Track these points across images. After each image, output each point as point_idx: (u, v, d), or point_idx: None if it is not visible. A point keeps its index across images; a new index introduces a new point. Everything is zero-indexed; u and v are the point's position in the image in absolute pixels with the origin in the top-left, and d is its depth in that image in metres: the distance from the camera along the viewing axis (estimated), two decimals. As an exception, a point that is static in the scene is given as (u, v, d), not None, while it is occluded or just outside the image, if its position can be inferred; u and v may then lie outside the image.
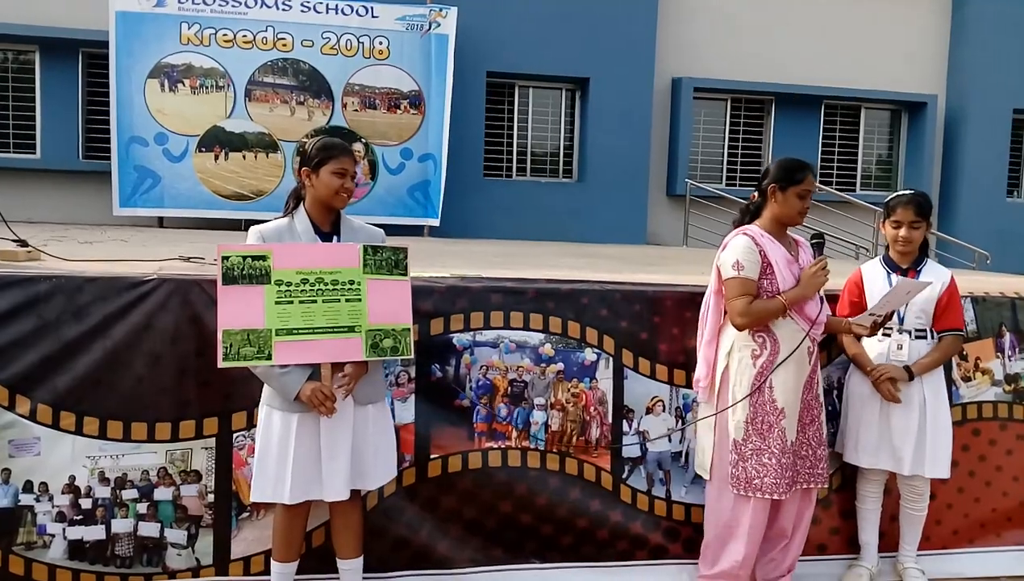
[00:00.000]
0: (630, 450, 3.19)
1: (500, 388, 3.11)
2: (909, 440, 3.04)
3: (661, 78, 10.40)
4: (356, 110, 8.80)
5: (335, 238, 2.59)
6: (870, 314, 2.93)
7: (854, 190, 11.24)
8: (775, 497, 2.86)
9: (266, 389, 2.54)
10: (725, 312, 2.96)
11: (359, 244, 2.52)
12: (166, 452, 2.83)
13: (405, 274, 2.56)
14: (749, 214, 3.01)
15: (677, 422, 3.22)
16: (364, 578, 2.77)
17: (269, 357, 2.39)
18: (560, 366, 3.16)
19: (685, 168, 10.49)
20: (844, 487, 3.32)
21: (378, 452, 2.60)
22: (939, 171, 11.62)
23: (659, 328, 3.23)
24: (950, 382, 3.38)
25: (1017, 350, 3.54)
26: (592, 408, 3.19)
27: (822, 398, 3.03)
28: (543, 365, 3.15)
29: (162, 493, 2.83)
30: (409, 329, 2.54)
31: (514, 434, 3.11)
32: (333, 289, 2.46)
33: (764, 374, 2.85)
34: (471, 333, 3.09)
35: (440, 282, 3.09)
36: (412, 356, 2.61)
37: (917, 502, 3.18)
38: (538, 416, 3.13)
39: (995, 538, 3.44)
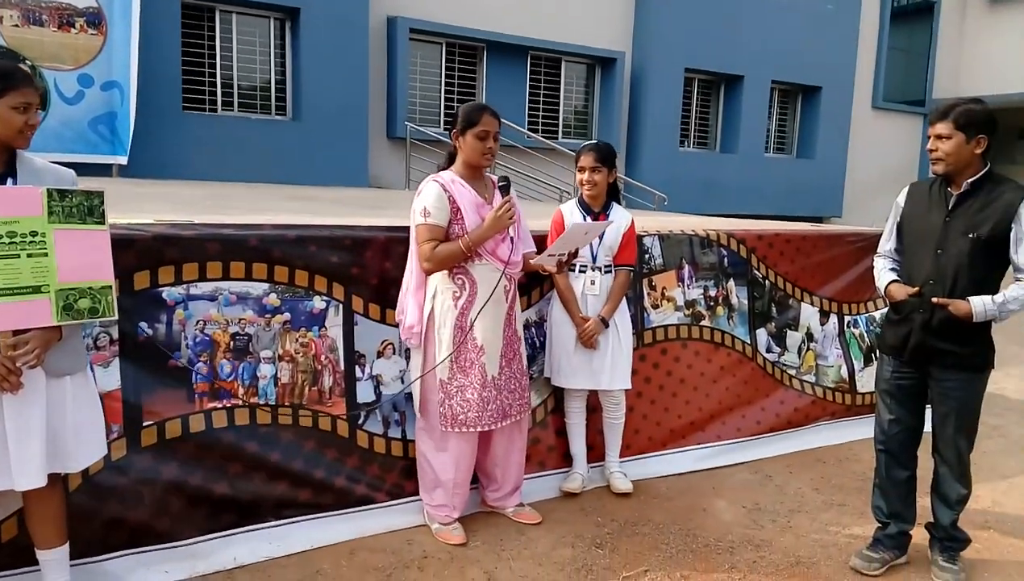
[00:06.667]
0: (364, 394, 3.18)
1: (221, 343, 2.88)
2: (605, 361, 3.47)
3: (376, 16, 10.16)
4: (16, 25, 7.37)
5: (10, 181, 2.15)
6: (549, 254, 3.13)
7: (557, 137, 12.13)
8: (480, 429, 3.04)
9: None
10: None
11: (42, 188, 2.11)
12: None
13: (102, 222, 2.19)
14: (448, 159, 3.12)
15: (407, 363, 3.26)
16: (72, 565, 2.44)
17: None
18: (287, 316, 3.02)
19: (404, 110, 10.45)
20: (558, 409, 3.66)
21: (81, 430, 2.27)
22: (626, 122, 12.97)
23: (389, 273, 3.21)
24: (642, 309, 3.87)
25: (694, 279, 4.13)
26: (323, 357, 3.10)
27: (520, 333, 3.24)
28: (268, 316, 2.98)
29: None
30: (111, 286, 2.20)
31: (241, 391, 2.92)
32: (11, 242, 2.03)
33: (465, 315, 2.99)
34: (184, 286, 2.80)
35: (144, 230, 2.74)
36: (116, 317, 2.30)
37: (616, 411, 3.63)
38: (266, 369, 2.97)
39: (681, 440, 4.04)
